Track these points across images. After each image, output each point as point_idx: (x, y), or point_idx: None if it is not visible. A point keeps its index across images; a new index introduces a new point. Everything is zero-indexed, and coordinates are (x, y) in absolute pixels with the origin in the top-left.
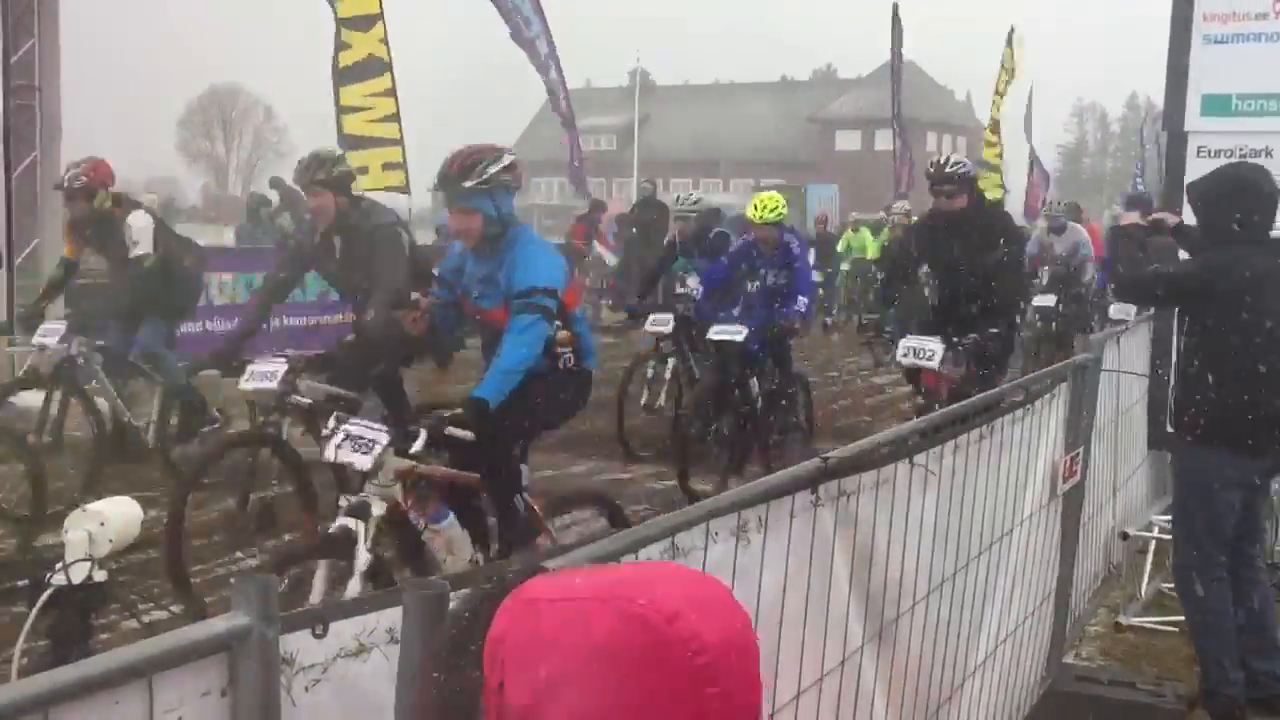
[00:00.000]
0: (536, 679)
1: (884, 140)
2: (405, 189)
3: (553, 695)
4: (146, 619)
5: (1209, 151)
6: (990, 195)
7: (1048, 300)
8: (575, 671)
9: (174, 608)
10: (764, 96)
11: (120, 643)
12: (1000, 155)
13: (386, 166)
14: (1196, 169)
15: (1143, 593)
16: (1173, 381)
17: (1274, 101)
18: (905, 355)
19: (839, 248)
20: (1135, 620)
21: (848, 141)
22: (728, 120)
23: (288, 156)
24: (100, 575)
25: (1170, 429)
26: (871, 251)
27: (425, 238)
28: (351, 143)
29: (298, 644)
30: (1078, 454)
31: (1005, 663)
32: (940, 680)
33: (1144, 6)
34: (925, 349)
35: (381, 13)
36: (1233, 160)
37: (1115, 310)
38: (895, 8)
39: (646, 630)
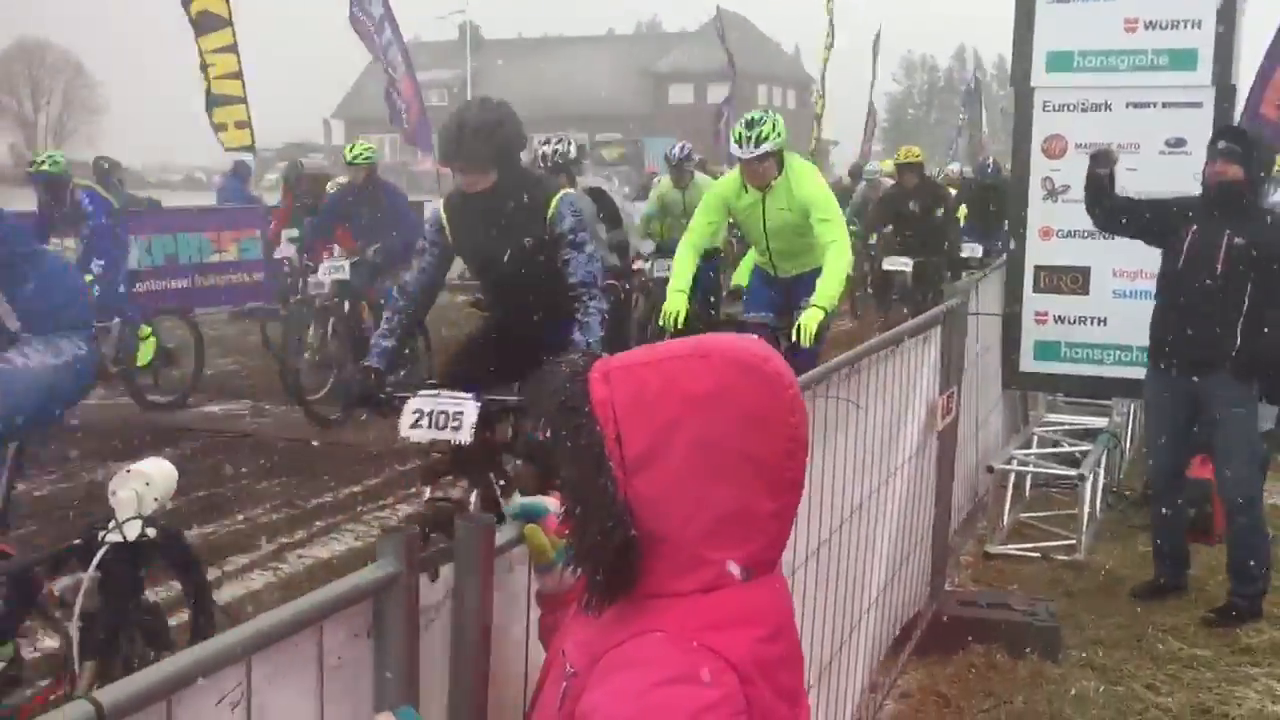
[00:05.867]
0: (652, 425)
1: (717, 93)
2: (252, 148)
3: (672, 433)
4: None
5: (1053, 106)
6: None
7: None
8: (694, 409)
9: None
10: (593, 50)
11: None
12: (823, 109)
13: (238, 125)
14: (1043, 123)
15: (1004, 522)
16: (1240, 338)
17: (1113, 57)
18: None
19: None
20: (1000, 549)
21: (681, 95)
22: (560, 74)
23: (101, 115)
24: (151, 532)
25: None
26: None
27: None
28: (215, 100)
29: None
30: (953, 392)
31: (898, 590)
32: (850, 608)
33: None
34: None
35: None
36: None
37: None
38: None
39: (751, 369)
